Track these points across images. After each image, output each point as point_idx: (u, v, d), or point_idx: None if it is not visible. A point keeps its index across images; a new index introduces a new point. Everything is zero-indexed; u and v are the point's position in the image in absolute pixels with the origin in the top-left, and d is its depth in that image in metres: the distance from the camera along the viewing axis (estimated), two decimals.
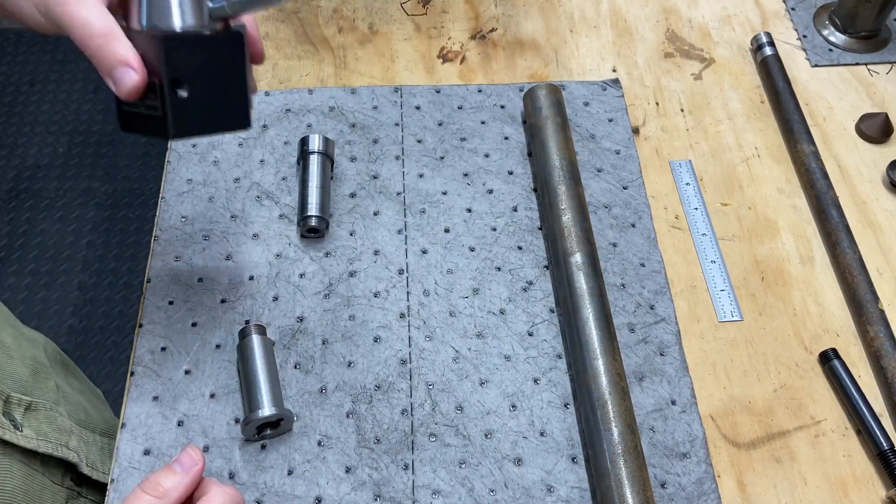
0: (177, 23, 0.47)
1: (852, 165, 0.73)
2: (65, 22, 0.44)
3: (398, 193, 0.70)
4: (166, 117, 0.47)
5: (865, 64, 0.79)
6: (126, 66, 0.44)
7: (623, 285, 0.65)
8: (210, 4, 0.48)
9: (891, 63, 0.79)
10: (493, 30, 0.84)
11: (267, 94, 0.76)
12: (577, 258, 0.62)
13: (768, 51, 0.78)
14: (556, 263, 0.64)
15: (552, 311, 0.64)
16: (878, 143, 0.74)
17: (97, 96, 1.77)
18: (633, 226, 0.69)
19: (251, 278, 0.64)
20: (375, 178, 0.71)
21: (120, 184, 1.61)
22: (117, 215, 1.58)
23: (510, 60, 0.81)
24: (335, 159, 0.71)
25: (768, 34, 0.79)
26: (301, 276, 0.65)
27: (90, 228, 1.55)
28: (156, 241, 0.66)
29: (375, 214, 0.69)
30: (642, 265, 0.66)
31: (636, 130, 0.76)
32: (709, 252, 0.68)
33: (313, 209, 0.66)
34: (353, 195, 0.70)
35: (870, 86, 0.78)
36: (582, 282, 0.61)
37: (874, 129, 0.73)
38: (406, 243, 0.67)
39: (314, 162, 0.68)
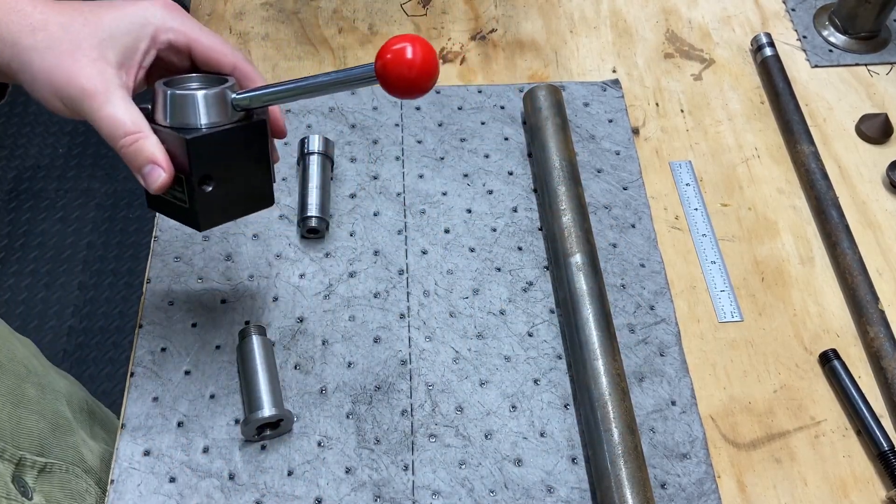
0: (202, 121, 0.47)
1: (852, 166, 0.73)
2: (93, 119, 0.44)
3: (398, 194, 0.70)
4: (195, 211, 0.47)
5: (865, 64, 0.79)
6: (154, 164, 0.45)
7: (623, 286, 0.65)
8: (233, 96, 0.48)
9: (891, 63, 0.79)
10: (493, 30, 0.84)
11: None
12: (577, 259, 0.62)
13: (768, 51, 0.78)
14: (556, 264, 0.64)
15: (552, 311, 0.64)
16: (878, 143, 0.74)
17: None
18: (633, 226, 0.69)
19: (251, 278, 0.64)
20: (375, 178, 0.71)
21: (120, 184, 1.61)
22: (117, 215, 1.58)
23: (510, 61, 0.81)
24: (335, 160, 0.71)
25: (768, 35, 0.79)
26: (301, 276, 0.65)
27: (90, 229, 1.55)
28: (156, 241, 0.66)
29: (375, 215, 0.69)
30: (642, 266, 0.66)
31: (636, 131, 0.76)
32: (709, 252, 0.68)
33: (313, 210, 0.66)
34: (353, 196, 0.70)
35: (870, 86, 0.78)
36: (582, 282, 0.61)
37: (874, 129, 0.73)
38: (406, 244, 0.67)
39: (314, 163, 0.68)
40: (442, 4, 0.86)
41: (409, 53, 0.40)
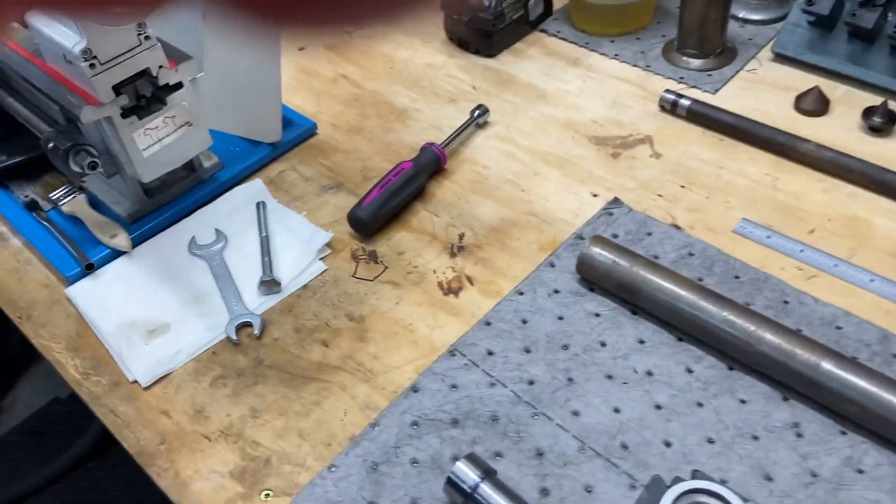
0: None
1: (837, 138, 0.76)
2: None
3: None
4: None
5: (744, 69, 0.85)
6: None
7: None
8: None
9: (751, 59, 0.87)
10: None
11: None
12: None
13: (685, 102, 0.80)
14: None
15: None
16: (820, 115, 0.79)
17: None
18: None
19: None
20: None
21: None
22: None
23: None
24: None
25: (673, 92, 0.81)
26: None
27: None
28: None
29: None
30: None
31: None
32: None
33: None
34: None
35: (762, 81, 0.84)
36: None
37: (812, 104, 0.78)
38: None
39: None
40: None
41: None
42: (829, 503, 0.51)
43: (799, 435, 0.54)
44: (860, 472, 0.52)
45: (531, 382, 0.60)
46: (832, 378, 0.53)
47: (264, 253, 0.71)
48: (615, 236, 0.70)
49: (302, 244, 0.72)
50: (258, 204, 0.76)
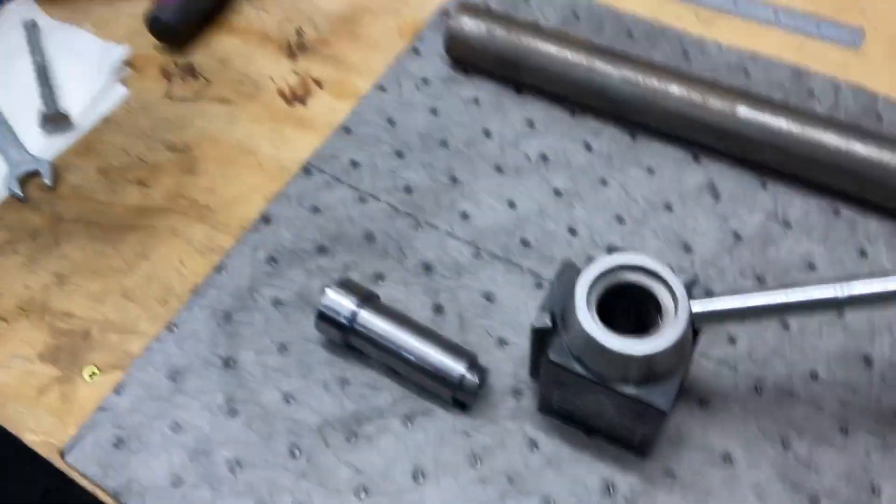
0: None
1: None
2: None
3: None
4: None
5: None
6: None
7: None
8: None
9: None
10: None
11: None
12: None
13: None
14: None
15: None
16: None
17: None
18: None
19: None
20: None
21: None
22: None
23: None
24: None
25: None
26: None
27: None
28: None
29: None
30: None
31: None
32: None
33: None
34: None
35: None
36: None
37: None
38: None
39: None
40: None
41: None
42: (757, 264, 0.45)
43: (716, 196, 0.48)
44: (787, 224, 0.46)
45: (409, 190, 0.49)
46: (751, 124, 0.46)
47: (42, 83, 0.54)
48: (487, 8, 0.58)
49: (91, 66, 0.55)
50: (26, 24, 0.58)
